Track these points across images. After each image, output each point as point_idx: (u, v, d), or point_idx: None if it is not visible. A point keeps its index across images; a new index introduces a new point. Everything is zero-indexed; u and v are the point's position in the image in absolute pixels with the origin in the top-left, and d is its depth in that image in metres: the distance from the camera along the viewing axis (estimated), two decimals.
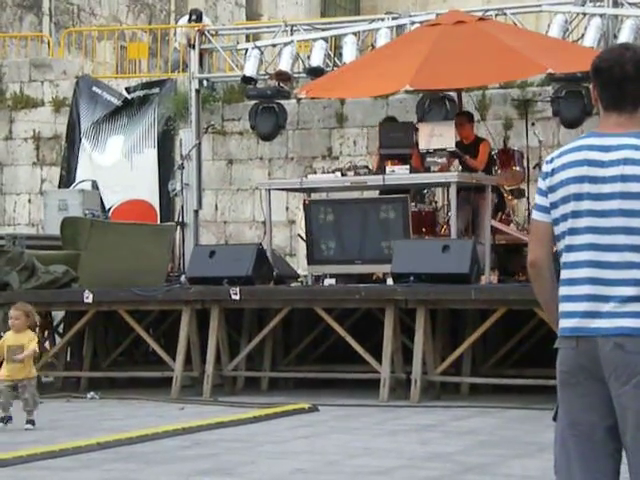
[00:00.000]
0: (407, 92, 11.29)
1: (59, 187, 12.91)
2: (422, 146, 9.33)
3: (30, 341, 6.65)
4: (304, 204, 9.47)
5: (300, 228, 10.54)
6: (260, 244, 9.50)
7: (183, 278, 9.64)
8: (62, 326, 10.16)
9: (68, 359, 9.99)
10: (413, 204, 9.54)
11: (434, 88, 10.22)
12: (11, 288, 9.18)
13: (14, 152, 13.59)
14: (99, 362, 9.68)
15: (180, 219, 11.56)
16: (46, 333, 10.35)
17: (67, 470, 5.22)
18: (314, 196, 10.03)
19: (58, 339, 10.03)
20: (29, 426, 6.62)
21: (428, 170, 9.28)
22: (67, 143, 13.23)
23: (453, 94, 10.65)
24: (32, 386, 6.65)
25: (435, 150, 9.29)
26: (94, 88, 13.26)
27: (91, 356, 9.66)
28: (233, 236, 12.90)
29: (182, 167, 11.37)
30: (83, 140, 13.11)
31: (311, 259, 9.24)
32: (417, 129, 9.62)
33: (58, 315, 10.25)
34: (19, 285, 9.19)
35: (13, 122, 13.61)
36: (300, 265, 10.83)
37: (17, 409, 6.65)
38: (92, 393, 8.68)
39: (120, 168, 12.89)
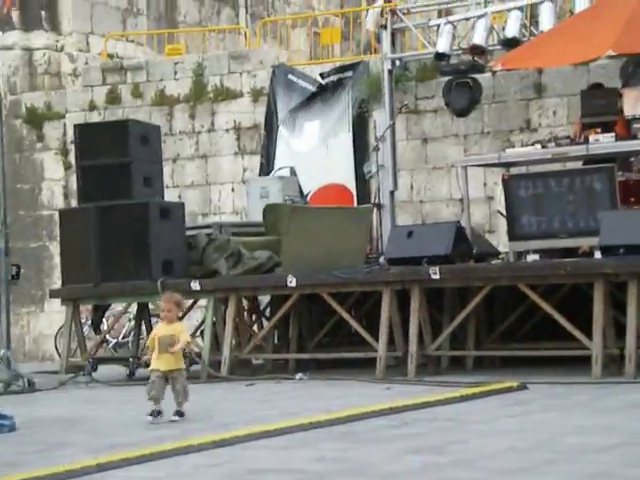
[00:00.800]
0: (610, 57, 10.81)
1: (259, 175, 13.28)
2: (627, 112, 8.93)
3: (181, 332, 6.47)
4: (503, 179, 9.28)
5: (499, 204, 10.35)
6: (458, 222, 9.40)
7: (382, 259, 9.68)
8: (269, 310, 10.47)
9: (276, 342, 10.28)
10: (620, 173, 9.14)
11: (639, 51, 9.73)
12: (219, 274, 9.53)
13: (216, 143, 14.09)
14: (305, 344, 9.89)
15: (376, 201, 11.62)
16: (254, 317, 10.70)
17: (283, 449, 5.35)
18: (513, 170, 9.81)
19: (265, 323, 10.33)
20: (176, 418, 6.38)
21: (635, 137, 8.86)
22: (266, 132, 13.57)
23: None
24: (183, 377, 6.48)
25: None
26: (290, 76, 13.52)
27: (297, 338, 9.90)
28: (429, 215, 12.83)
29: (377, 149, 11.42)
30: (281, 128, 13.41)
31: (512, 235, 9.05)
32: (621, 95, 9.20)
33: (264, 300, 10.57)
34: (227, 271, 9.52)
35: (215, 114, 14.11)
36: (500, 242, 10.64)
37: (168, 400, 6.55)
38: (300, 374, 8.88)
39: (317, 153, 13.09)
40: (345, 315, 9.29)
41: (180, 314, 6.74)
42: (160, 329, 6.58)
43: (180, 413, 6.42)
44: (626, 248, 7.78)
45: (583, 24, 9.60)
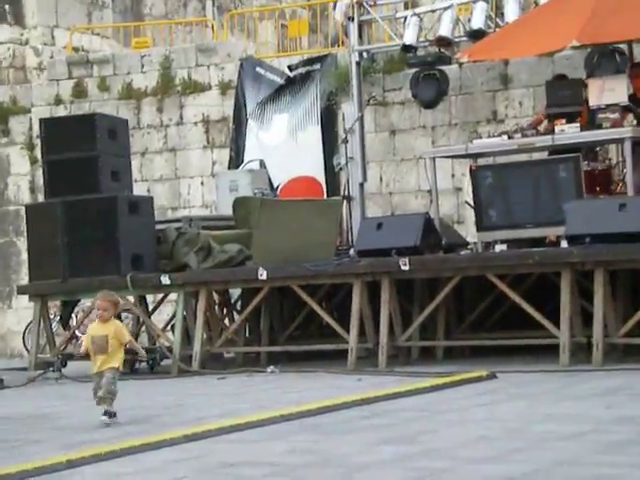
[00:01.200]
0: (574, 48, 10.90)
1: (229, 168, 13.26)
2: (593, 102, 9.01)
3: (119, 331, 6.26)
4: (470, 170, 9.33)
5: (467, 195, 10.41)
6: (427, 213, 9.45)
7: (352, 251, 9.71)
8: (239, 303, 10.47)
9: (247, 335, 10.28)
10: (585, 163, 9.23)
11: (603, 42, 9.82)
12: (190, 268, 9.51)
13: (185, 136, 14.04)
14: (276, 337, 9.91)
15: (346, 193, 11.64)
16: (225, 310, 10.70)
17: (254, 442, 5.37)
18: (480, 161, 9.87)
19: (236, 316, 10.33)
20: (105, 418, 6.12)
21: (600, 127, 8.95)
22: (234, 125, 13.54)
23: (623, 46, 10.21)
24: (112, 374, 6.21)
25: (607, 105, 8.94)
26: (258, 69, 13.50)
27: (268, 331, 9.91)
28: (399, 207, 12.88)
29: (346, 141, 11.44)
30: (249, 121, 13.39)
31: (480, 225, 9.11)
32: (586, 85, 9.28)
33: (234, 293, 10.56)
34: (197, 265, 9.51)
35: (183, 107, 14.06)
36: (469, 232, 10.70)
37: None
38: (272, 367, 8.90)
39: (286, 146, 13.09)
40: (316, 307, 9.31)
41: (115, 314, 6.48)
42: (94, 329, 6.34)
43: (109, 413, 6.15)
44: (592, 237, 7.86)
45: (548, 15, 9.66)
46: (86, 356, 6.56)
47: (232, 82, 13.76)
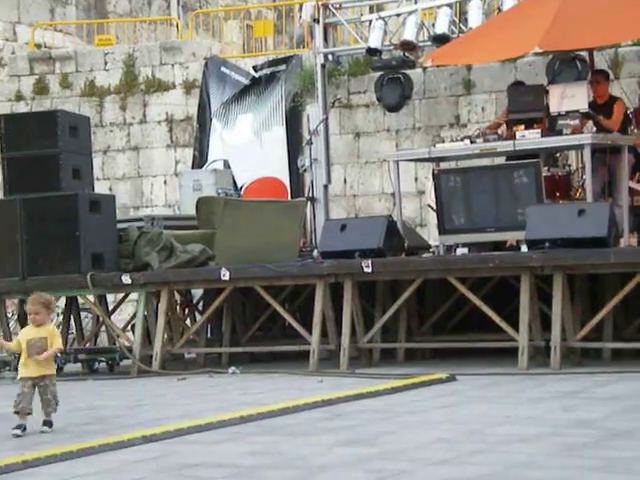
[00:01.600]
0: (536, 54, 11.03)
1: (192, 168, 13.22)
2: (553, 108, 9.11)
3: (54, 336, 5.96)
4: (433, 174, 9.40)
5: (430, 198, 10.48)
6: (390, 216, 9.50)
7: (315, 253, 9.73)
8: (201, 304, 10.44)
9: (209, 335, 10.26)
10: (545, 168, 9.33)
11: (564, 49, 9.94)
12: (151, 268, 9.47)
13: (149, 135, 13.99)
14: (238, 338, 9.90)
15: (310, 194, 11.67)
16: (186, 311, 10.67)
17: (214, 443, 5.36)
18: (443, 165, 9.94)
19: (198, 316, 10.31)
20: (46, 428, 5.87)
21: (560, 133, 9.06)
22: (198, 124, 13.52)
23: (584, 54, 10.33)
24: (54, 385, 5.98)
25: (567, 112, 9.05)
26: (222, 68, 13.48)
27: (230, 332, 9.90)
28: (363, 209, 12.93)
29: (310, 143, 11.46)
30: (214, 120, 13.36)
31: (442, 229, 9.18)
32: (547, 92, 9.38)
33: (197, 293, 10.54)
34: (159, 265, 9.47)
35: (147, 106, 14.00)
36: (431, 235, 10.77)
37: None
38: (233, 368, 8.89)
39: (250, 146, 13.08)
40: (279, 308, 9.32)
41: (50, 316, 6.14)
42: (28, 332, 6.02)
43: (49, 423, 5.92)
44: (551, 242, 7.94)
45: (511, 22, 9.75)
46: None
47: (196, 81, 13.74)
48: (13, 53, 15.07)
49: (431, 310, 9.37)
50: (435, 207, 9.39)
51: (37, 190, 9.50)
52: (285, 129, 13.04)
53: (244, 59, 14.08)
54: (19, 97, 14.35)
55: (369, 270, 8.47)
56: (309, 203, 11.44)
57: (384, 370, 8.27)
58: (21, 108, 14.13)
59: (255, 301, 9.85)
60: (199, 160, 13.31)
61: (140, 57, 14.14)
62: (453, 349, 8.91)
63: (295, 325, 9.16)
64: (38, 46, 15.22)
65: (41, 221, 9.45)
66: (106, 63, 14.25)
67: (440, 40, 10.65)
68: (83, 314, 10.46)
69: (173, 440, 5.46)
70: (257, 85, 13.27)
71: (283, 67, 13.23)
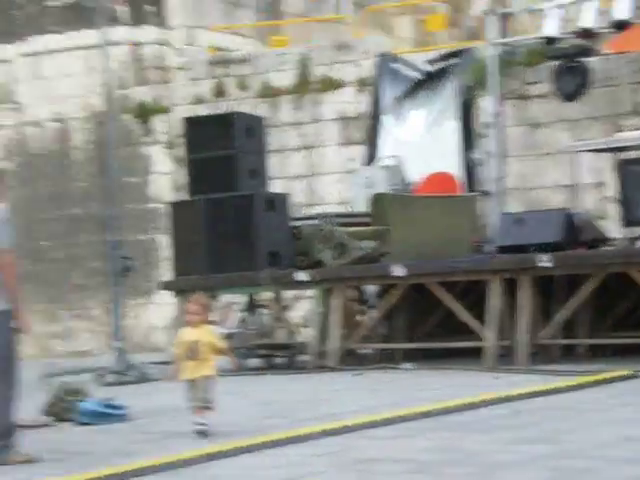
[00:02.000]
0: None
1: (364, 165, 13.25)
2: None
3: (211, 337, 5.90)
4: (618, 163, 9.02)
5: (612, 189, 10.07)
6: (568, 208, 9.19)
7: (490, 247, 9.53)
8: (375, 300, 10.44)
9: (383, 331, 10.24)
10: None
11: None
12: (325, 265, 9.55)
13: (321, 134, 14.13)
14: (413, 333, 9.83)
15: (484, 188, 11.45)
16: (360, 307, 10.69)
17: (392, 439, 5.34)
18: (623, 155, 9.53)
19: (370, 312, 10.31)
20: (201, 427, 5.72)
21: None
22: (371, 121, 13.53)
23: None
24: (210, 384, 5.85)
25: None
26: (394, 65, 13.44)
27: (405, 328, 9.85)
28: (538, 202, 12.58)
29: (484, 136, 11.25)
30: (386, 117, 13.34)
31: (626, 220, 8.80)
32: None
33: (367, 289, 10.53)
34: (332, 262, 9.54)
35: (319, 105, 14.14)
36: (611, 228, 10.35)
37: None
38: (408, 364, 8.84)
39: (422, 142, 12.97)
40: (453, 304, 9.19)
41: (206, 318, 5.99)
42: (186, 334, 5.96)
43: (203, 424, 5.77)
44: None
45: None
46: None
47: (369, 79, 13.76)
48: (192, 57, 15.57)
49: (613, 305, 9.00)
50: (618, 198, 9.00)
51: (216, 190, 9.78)
52: (458, 123, 12.85)
53: (416, 54, 13.99)
54: (198, 100, 14.81)
55: (548, 264, 8.22)
56: (483, 197, 11.23)
57: (563, 366, 8.03)
58: (200, 111, 14.56)
59: (429, 296, 9.75)
60: (371, 157, 13.33)
61: (313, 57, 14.30)
62: (634, 345, 8.52)
63: (469, 321, 9.00)
64: (216, 49, 15.67)
65: (220, 220, 9.71)
66: (280, 64, 14.51)
67: (621, 26, 10.21)
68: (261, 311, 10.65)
69: (350, 435, 5.48)
70: (430, 80, 13.13)
71: (456, 60, 13.03)
